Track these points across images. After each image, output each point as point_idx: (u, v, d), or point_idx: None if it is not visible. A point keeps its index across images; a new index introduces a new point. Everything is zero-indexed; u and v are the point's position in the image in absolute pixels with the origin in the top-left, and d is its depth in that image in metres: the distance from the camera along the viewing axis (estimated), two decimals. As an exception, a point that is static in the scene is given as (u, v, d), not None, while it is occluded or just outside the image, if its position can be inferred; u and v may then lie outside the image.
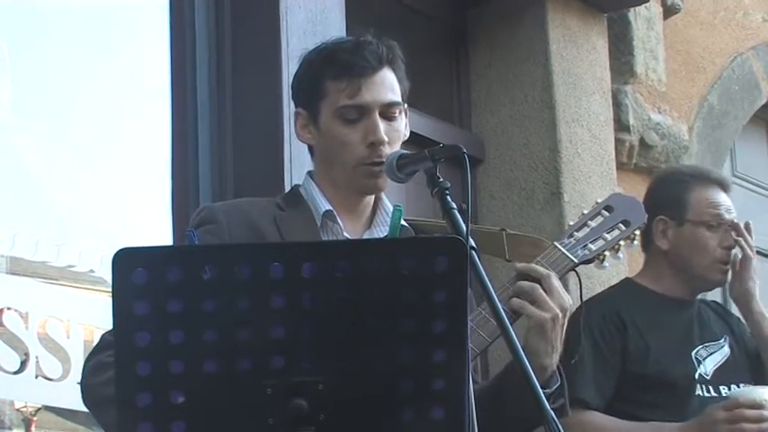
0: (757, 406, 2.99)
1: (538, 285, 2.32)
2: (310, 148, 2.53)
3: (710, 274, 3.32)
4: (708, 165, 5.81)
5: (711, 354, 3.26)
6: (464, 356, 1.73)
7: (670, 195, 3.40)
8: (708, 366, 3.23)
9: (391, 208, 2.45)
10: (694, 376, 3.20)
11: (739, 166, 6.39)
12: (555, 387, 2.32)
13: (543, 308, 2.29)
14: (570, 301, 2.35)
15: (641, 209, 2.68)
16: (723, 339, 3.33)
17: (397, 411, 1.73)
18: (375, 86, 2.40)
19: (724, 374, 3.23)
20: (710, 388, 3.20)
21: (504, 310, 2.31)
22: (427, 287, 1.69)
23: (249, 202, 2.53)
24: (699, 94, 5.87)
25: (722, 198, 3.41)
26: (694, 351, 3.25)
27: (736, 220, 3.37)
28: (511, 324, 2.30)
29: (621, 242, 2.59)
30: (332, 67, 2.41)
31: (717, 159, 5.92)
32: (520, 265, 2.42)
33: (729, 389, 3.20)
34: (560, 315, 2.30)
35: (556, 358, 2.31)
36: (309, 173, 2.52)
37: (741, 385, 3.22)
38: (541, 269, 2.37)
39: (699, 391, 3.20)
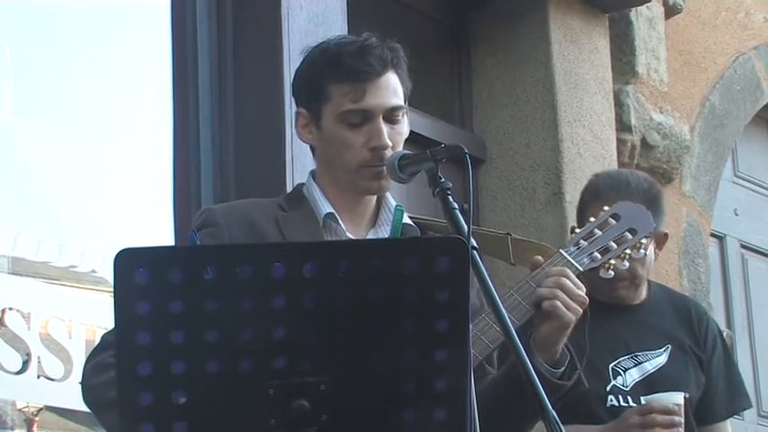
0: (669, 412, 3.00)
1: (566, 285, 2.35)
2: (312, 148, 2.53)
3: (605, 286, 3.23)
4: (709, 165, 5.82)
5: (640, 363, 3.21)
6: (466, 356, 1.73)
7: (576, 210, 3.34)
8: (630, 378, 3.18)
9: (395, 206, 2.46)
10: (606, 387, 3.15)
11: (741, 166, 6.39)
12: (566, 362, 2.38)
13: (571, 309, 2.34)
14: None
15: (649, 217, 2.65)
16: (663, 348, 3.26)
17: (399, 411, 1.73)
18: (379, 91, 2.39)
19: (651, 384, 3.16)
20: (629, 398, 3.16)
21: (524, 305, 2.35)
22: (429, 287, 1.69)
23: (251, 203, 2.52)
24: (700, 94, 5.87)
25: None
26: (614, 362, 3.19)
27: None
28: (530, 316, 2.35)
29: (628, 251, 2.57)
30: (336, 70, 2.40)
31: (718, 159, 5.92)
32: (536, 258, 2.45)
33: None
34: (581, 311, 2.36)
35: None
36: (312, 173, 2.52)
37: None
38: (567, 270, 2.40)
39: (613, 402, 3.16)
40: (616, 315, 3.24)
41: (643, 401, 3.13)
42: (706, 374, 3.31)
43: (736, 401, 3.40)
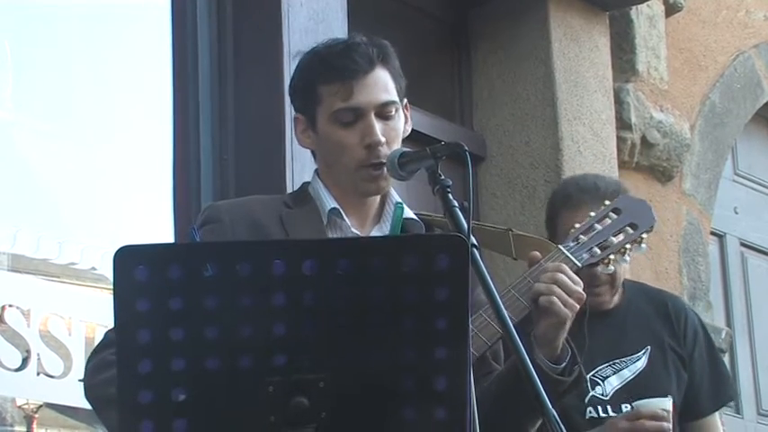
0: (658, 417, 2.98)
1: (562, 281, 2.34)
2: (312, 152, 2.53)
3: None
4: (709, 163, 5.83)
5: (619, 371, 3.18)
6: (466, 354, 1.73)
7: (546, 218, 3.31)
8: (609, 386, 3.16)
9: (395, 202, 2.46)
10: (584, 399, 3.13)
11: (741, 165, 6.39)
12: (568, 358, 2.36)
13: (568, 305, 2.33)
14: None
15: (650, 211, 2.63)
16: (642, 351, 3.23)
17: (398, 409, 1.73)
18: (368, 88, 2.39)
19: (632, 391, 3.14)
20: (608, 408, 3.14)
21: (522, 302, 2.34)
22: (428, 285, 1.69)
23: (255, 200, 2.52)
24: (701, 92, 5.87)
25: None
26: (592, 372, 3.15)
27: None
28: (529, 311, 2.34)
29: (628, 245, 2.55)
30: (323, 71, 2.41)
31: (718, 158, 5.92)
32: (533, 254, 2.44)
33: (633, 407, 3.11)
34: (578, 307, 2.35)
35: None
36: (317, 171, 2.52)
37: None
38: (563, 266, 2.38)
39: (592, 413, 3.14)
40: (593, 322, 3.20)
41: (625, 408, 3.11)
42: (689, 370, 3.27)
43: (722, 393, 3.36)
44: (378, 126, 2.37)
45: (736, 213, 6.30)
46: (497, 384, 2.34)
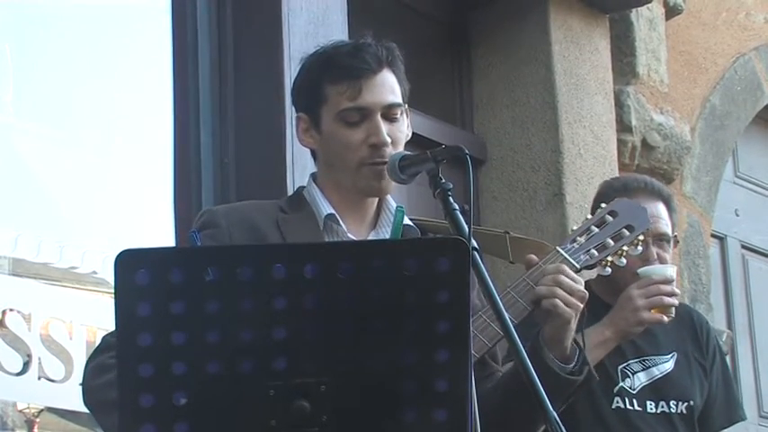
0: (669, 281, 3.04)
1: (564, 282, 2.35)
2: (313, 152, 2.53)
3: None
4: (710, 165, 5.83)
5: (647, 368, 3.22)
6: (467, 357, 1.73)
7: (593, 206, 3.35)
8: (637, 381, 3.19)
9: (395, 207, 2.46)
10: (613, 390, 3.17)
11: (741, 167, 6.39)
12: (577, 357, 2.38)
13: (571, 305, 2.34)
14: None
15: (646, 214, 2.66)
16: (670, 354, 3.27)
17: (399, 412, 1.73)
18: (376, 88, 2.40)
19: (658, 390, 3.19)
20: (635, 401, 3.17)
21: (521, 303, 2.35)
22: (429, 288, 1.69)
23: (251, 204, 2.53)
24: (701, 94, 5.87)
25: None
26: (623, 364, 3.19)
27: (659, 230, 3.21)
28: (529, 313, 2.36)
29: (625, 248, 2.58)
30: (331, 70, 2.41)
31: (719, 160, 5.92)
32: (530, 257, 2.46)
33: (658, 405, 3.19)
34: (581, 306, 2.36)
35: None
36: (312, 175, 2.52)
37: (676, 403, 3.22)
38: (563, 267, 2.40)
39: (619, 403, 3.17)
40: None
41: (650, 405, 3.14)
42: (708, 382, 3.32)
43: (734, 412, 3.41)
44: (383, 127, 2.38)
45: (737, 216, 6.30)
46: (502, 386, 2.35)
